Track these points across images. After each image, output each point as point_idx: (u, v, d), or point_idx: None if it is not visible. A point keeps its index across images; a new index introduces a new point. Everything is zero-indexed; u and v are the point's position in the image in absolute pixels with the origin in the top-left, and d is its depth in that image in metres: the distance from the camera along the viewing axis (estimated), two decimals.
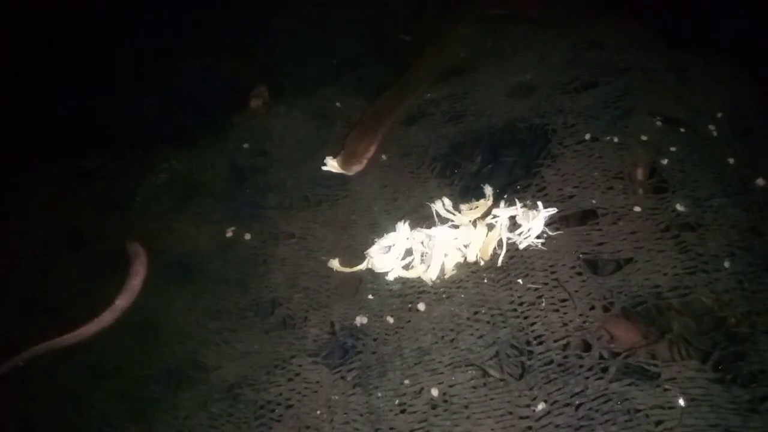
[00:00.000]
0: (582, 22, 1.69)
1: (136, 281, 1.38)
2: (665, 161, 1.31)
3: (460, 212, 1.33)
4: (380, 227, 1.36)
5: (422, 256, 1.29)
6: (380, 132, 1.58)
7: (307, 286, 1.35)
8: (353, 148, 1.52)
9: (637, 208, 1.24)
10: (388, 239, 1.31)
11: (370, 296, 1.29)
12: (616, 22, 1.67)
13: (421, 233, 1.29)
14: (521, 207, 1.26)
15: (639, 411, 0.99)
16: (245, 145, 1.68)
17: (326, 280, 1.35)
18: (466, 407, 1.08)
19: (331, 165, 1.54)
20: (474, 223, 1.30)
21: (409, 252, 1.30)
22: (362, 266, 1.32)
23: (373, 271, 1.31)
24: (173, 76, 1.85)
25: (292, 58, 1.90)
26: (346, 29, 1.95)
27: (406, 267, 1.30)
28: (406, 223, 1.30)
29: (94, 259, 1.48)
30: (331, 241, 1.42)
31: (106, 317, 1.34)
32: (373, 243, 1.32)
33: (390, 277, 1.29)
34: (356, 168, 1.51)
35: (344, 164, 1.51)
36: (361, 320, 1.26)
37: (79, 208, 1.59)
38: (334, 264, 1.34)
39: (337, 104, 1.75)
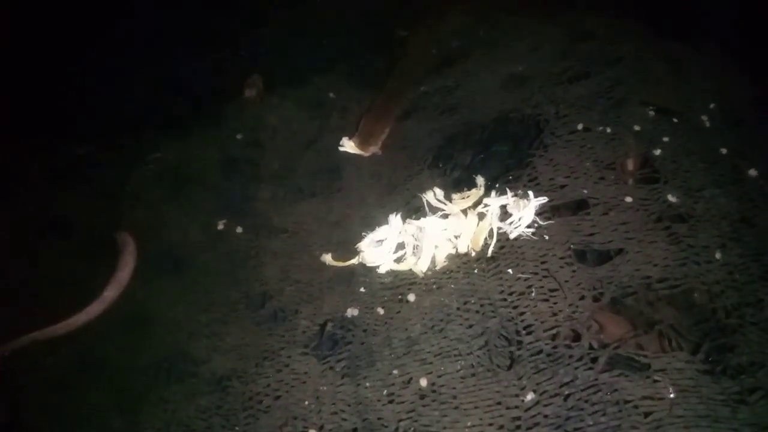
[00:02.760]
0: (573, 13, 1.68)
1: (125, 272, 1.37)
2: (657, 152, 1.30)
3: (451, 202, 1.33)
4: (374, 221, 1.36)
5: (414, 248, 1.29)
6: (394, 114, 1.60)
7: (299, 279, 1.34)
8: (370, 130, 1.54)
9: (629, 199, 1.23)
10: (379, 233, 1.30)
11: (362, 289, 1.29)
12: (606, 12, 1.66)
13: (413, 225, 1.29)
14: (512, 196, 1.25)
15: (628, 402, 0.99)
16: (238, 136, 1.66)
17: (318, 273, 1.34)
18: (455, 397, 1.08)
19: (348, 146, 1.55)
20: (465, 212, 1.29)
21: (401, 245, 1.30)
22: (355, 260, 1.32)
23: (365, 264, 1.30)
24: (166, 64, 1.82)
25: (285, 48, 1.88)
26: (339, 20, 1.93)
27: (398, 260, 1.30)
28: (398, 216, 1.30)
29: (82, 249, 1.46)
30: (324, 235, 1.41)
31: (95, 308, 1.33)
32: (363, 237, 1.31)
33: (382, 270, 1.29)
34: (372, 149, 1.54)
35: (361, 145, 1.54)
36: (352, 312, 1.25)
37: (69, 197, 1.57)
38: (327, 258, 1.34)
39: (331, 95, 1.73)
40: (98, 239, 1.46)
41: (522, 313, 1.13)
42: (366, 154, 1.54)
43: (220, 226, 1.47)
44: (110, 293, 1.35)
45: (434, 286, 1.23)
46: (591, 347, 1.06)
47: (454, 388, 1.09)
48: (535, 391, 1.04)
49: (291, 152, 1.62)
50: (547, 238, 1.22)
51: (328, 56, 1.83)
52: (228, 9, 1.94)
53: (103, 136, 1.68)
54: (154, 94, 1.77)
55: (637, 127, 1.35)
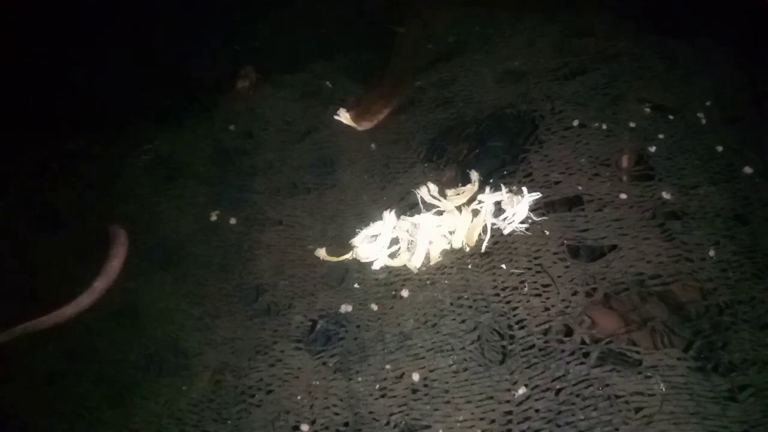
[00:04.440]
0: (569, 9, 1.67)
1: (115, 263, 1.36)
2: (653, 148, 1.30)
3: (445, 198, 1.32)
4: (368, 217, 1.35)
5: (408, 244, 1.28)
6: (397, 97, 1.62)
7: (292, 273, 1.34)
8: (369, 106, 1.57)
9: (623, 196, 1.24)
10: (373, 228, 1.30)
11: (356, 285, 1.28)
12: (603, 8, 1.65)
13: (407, 221, 1.28)
14: (506, 192, 1.25)
15: (619, 397, 1.00)
16: (231, 127, 1.65)
17: (312, 268, 1.34)
18: (447, 392, 1.08)
19: (344, 116, 1.58)
20: (459, 209, 1.29)
21: (395, 241, 1.30)
22: (349, 256, 1.32)
23: (360, 260, 1.30)
24: (158, 56, 1.80)
25: (281, 39, 1.87)
26: (337, 15, 1.92)
27: (392, 255, 1.29)
28: (392, 212, 1.29)
29: (73, 241, 1.45)
30: (318, 230, 1.41)
31: (84, 300, 1.31)
32: (357, 233, 1.31)
33: (376, 266, 1.29)
34: (366, 125, 1.56)
35: (356, 118, 1.56)
36: (345, 308, 1.25)
37: (60, 189, 1.55)
38: (321, 253, 1.33)
39: (327, 83, 1.72)
40: (90, 232, 1.44)
41: (515, 308, 1.14)
42: (359, 128, 1.56)
43: (213, 218, 1.46)
44: (100, 284, 1.33)
45: (428, 282, 1.23)
46: (583, 342, 1.07)
47: (446, 382, 1.09)
48: (526, 386, 1.05)
49: (285, 144, 1.61)
50: (541, 234, 1.21)
51: (325, 49, 1.81)
52: (222, 1, 1.92)
53: (95, 129, 1.66)
54: (146, 87, 1.75)
55: (632, 124, 1.35)
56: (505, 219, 1.24)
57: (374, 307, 1.24)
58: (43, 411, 1.22)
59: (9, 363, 1.26)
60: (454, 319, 1.16)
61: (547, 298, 1.13)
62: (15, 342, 1.28)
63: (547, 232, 1.21)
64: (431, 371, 1.11)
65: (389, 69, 1.69)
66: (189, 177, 1.55)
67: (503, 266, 1.20)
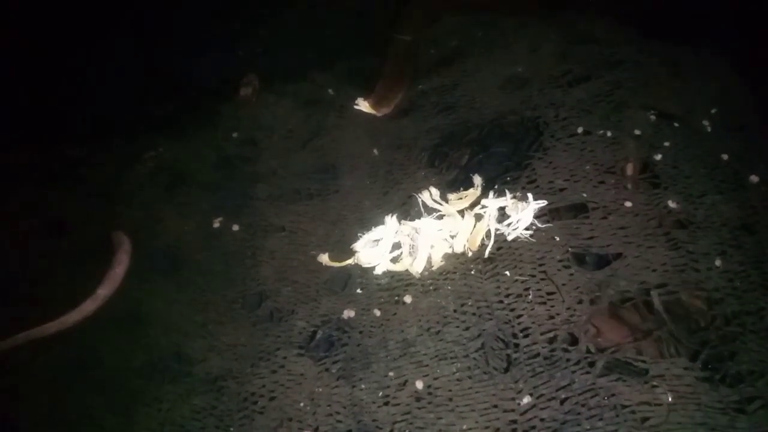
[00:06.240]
0: (572, 15, 1.67)
1: (119, 270, 1.36)
2: (658, 156, 1.30)
3: (447, 202, 1.32)
4: (370, 222, 1.35)
5: (410, 248, 1.28)
6: (409, 81, 1.69)
7: (295, 279, 1.34)
8: (385, 93, 1.65)
9: (628, 204, 1.23)
10: (374, 233, 1.30)
11: (358, 290, 1.28)
12: (606, 14, 1.65)
13: (408, 226, 1.28)
14: (511, 198, 1.25)
15: (626, 407, 0.99)
16: (234, 134, 1.65)
17: (315, 274, 1.33)
18: (451, 400, 1.07)
19: (363, 105, 1.64)
20: (462, 213, 1.29)
21: (397, 245, 1.29)
22: (351, 261, 1.31)
23: (362, 265, 1.30)
24: (161, 64, 1.81)
25: (282, 47, 1.88)
26: (338, 22, 1.92)
27: (394, 260, 1.29)
28: (394, 217, 1.29)
29: (77, 248, 1.44)
30: (321, 236, 1.41)
31: (88, 307, 1.31)
32: (359, 238, 1.31)
33: (378, 271, 1.28)
34: (384, 110, 1.64)
35: (375, 106, 1.63)
36: (348, 314, 1.25)
37: (63, 197, 1.56)
38: (324, 258, 1.33)
39: (330, 91, 1.73)
40: (93, 239, 1.44)
41: (519, 316, 1.13)
42: (378, 115, 1.62)
43: (216, 225, 1.46)
44: (104, 291, 1.33)
45: (431, 288, 1.23)
46: (588, 351, 1.06)
47: (449, 390, 1.08)
48: (531, 395, 1.04)
49: (287, 151, 1.61)
50: (545, 241, 1.21)
51: (327, 55, 1.81)
52: (224, 8, 1.93)
53: (98, 137, 1.66)
54: (149, 94, 1.76)
55: (637, 132, 1.35)
56: (509, 225, 1.24)
57: (377, 312, 1.23)
58: (46, 418, 1.21)
59: (12, 371, 1.25)
60: (457, 326, 1.16)
61: (552, 306, 1.12)
62: (18, 349, 1.27)
63: (558, 238, 1.21)
64: (435, 379, 1.10)
65: (393, 59, 1.72)
66: (192, 184, 1.55)
67: (507, 273, 1.19)
